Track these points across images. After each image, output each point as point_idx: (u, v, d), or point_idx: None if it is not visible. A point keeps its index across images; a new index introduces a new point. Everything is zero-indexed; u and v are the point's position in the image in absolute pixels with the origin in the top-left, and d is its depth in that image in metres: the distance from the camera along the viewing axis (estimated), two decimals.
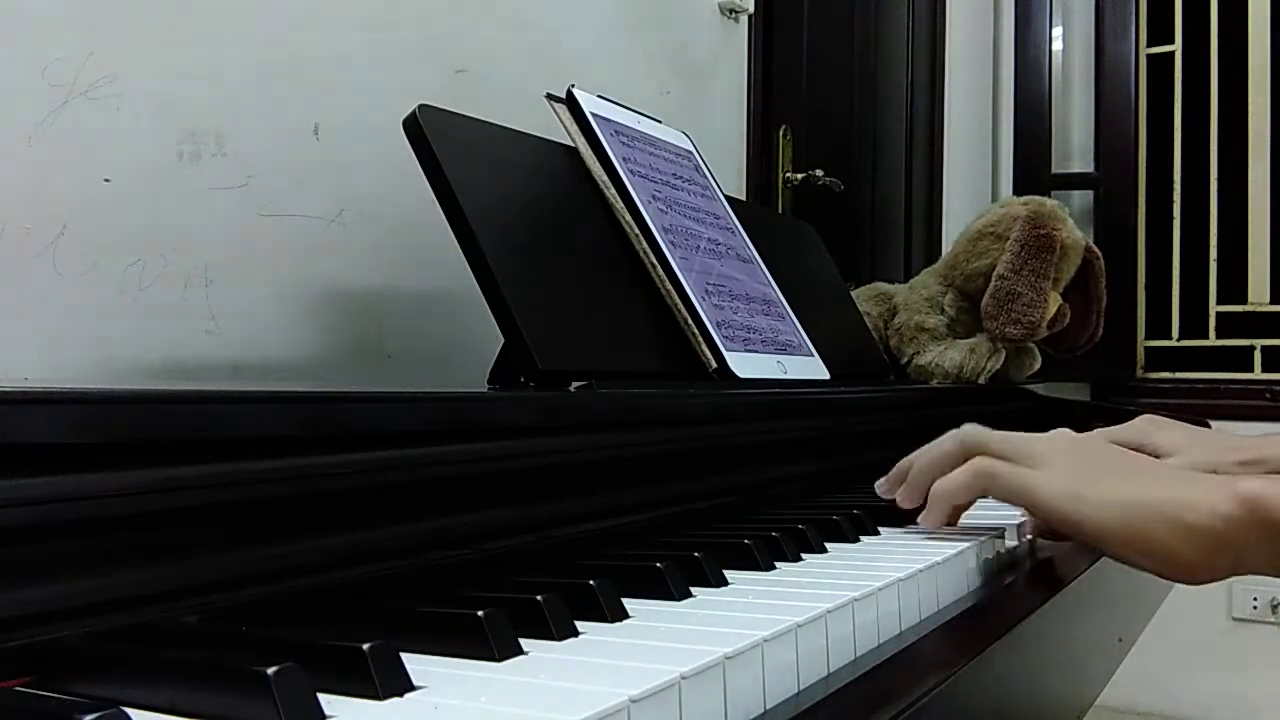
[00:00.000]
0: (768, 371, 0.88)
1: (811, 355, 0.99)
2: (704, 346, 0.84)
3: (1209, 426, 0.94)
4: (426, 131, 0.73)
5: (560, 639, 0.40)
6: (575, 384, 0.66)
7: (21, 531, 0.36)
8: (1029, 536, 0.72)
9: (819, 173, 1.93)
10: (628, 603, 0.45)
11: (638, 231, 0.85)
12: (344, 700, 0.32)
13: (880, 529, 0.68)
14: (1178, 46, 2.63)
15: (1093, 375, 2.55)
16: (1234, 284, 2.57)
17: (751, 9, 1.67)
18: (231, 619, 0.42)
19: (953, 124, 2.63)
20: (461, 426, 0.55)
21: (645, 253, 0.85)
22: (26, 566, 0.36)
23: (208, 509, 0.42)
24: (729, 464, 0.79)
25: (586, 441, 0.64)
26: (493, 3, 1.13)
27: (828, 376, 1.00)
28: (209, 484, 0.41)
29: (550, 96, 0.90)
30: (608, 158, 0.88)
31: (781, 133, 1.91)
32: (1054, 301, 1.39)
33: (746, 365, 0.85)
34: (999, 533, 0.67)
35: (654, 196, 0.90)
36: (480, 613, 0.38)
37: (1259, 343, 2.54)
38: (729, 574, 0.52)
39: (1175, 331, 2.63)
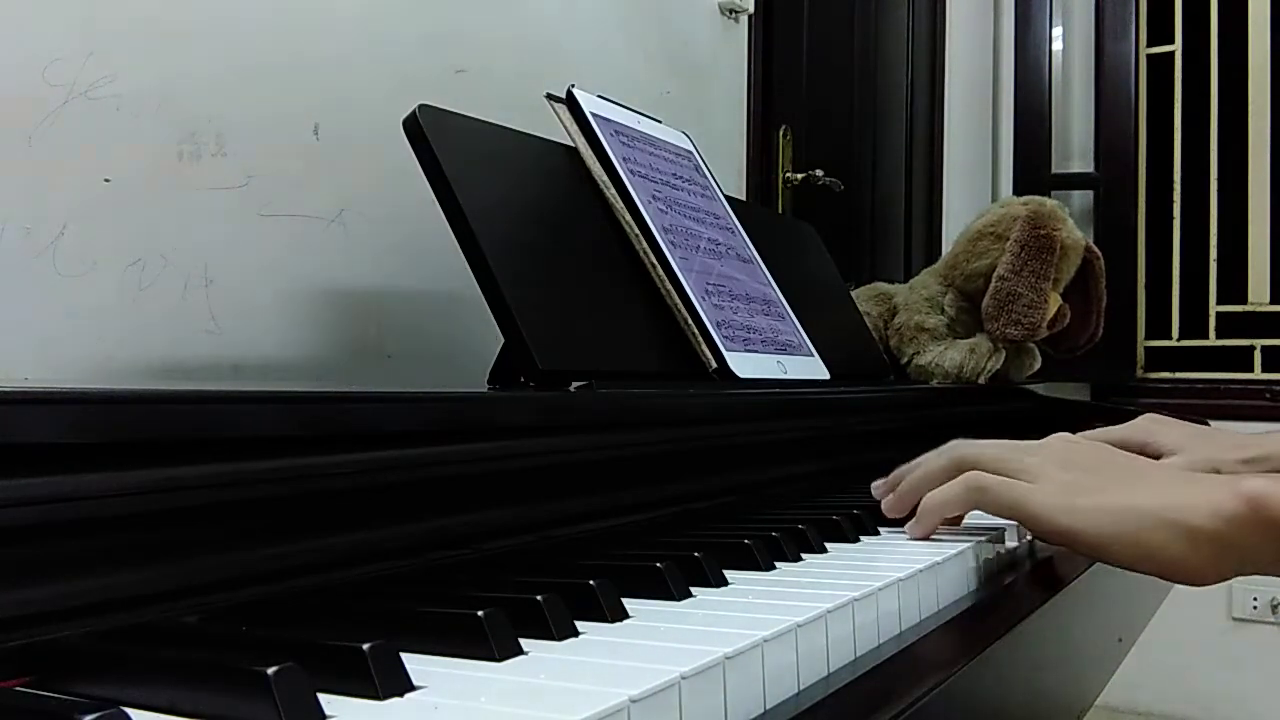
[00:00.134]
0: (768, 371, 0.88)
1: (811, 355, 0.99)
2: (704, 346, 0.84)
3: (1209, 426, 0.94)
4: (426, 131, 0.73)
5: (560, 639, 0.40)
6: (575, 384, 0.66)
7: (21, 531, 0.36)
8: (1029, 537, 0.72)
9: (819, 173, 1.93)
10: (628, 603, 0.45)
11: (638, 231, 0.86)
12: (344, 700, 0.32)
13: (880, 529, 0.68)
14: (1178, 46, 2.63)
15: (1093, 375, 2.55)
16: (1234, 284, 2.57)
17: (751, 9, 1.67)
18: (231, 619, 0.42)
19: (953, 124, 2.63)
20: (461, 426, 0.55)
21: (645, 253, 0.85)
22: (26, 566, 0.36)
23: (208, 509, 0.42)
24: (729, 464, 0.79)
25: (586, 441, 0.64)
26: (493, 3, 1.13)
27: (828, 376, 1.00)
28: (209, 484, 0.41)
29: (550, 96, 0.90)
30: (608, 158, 0.88)
31: (781, 133, 1.91)
32: (1054, 302, 1.39)
33: (746, 365, 0.85)
34: (999, 533, 0.67)
35: (654, 196, 0.90)
36: (480, 613, 0.38)
37: (1259, 343, 2.54)
38: (729, 574, 0.52)
39: (1175, 331, 2.63)
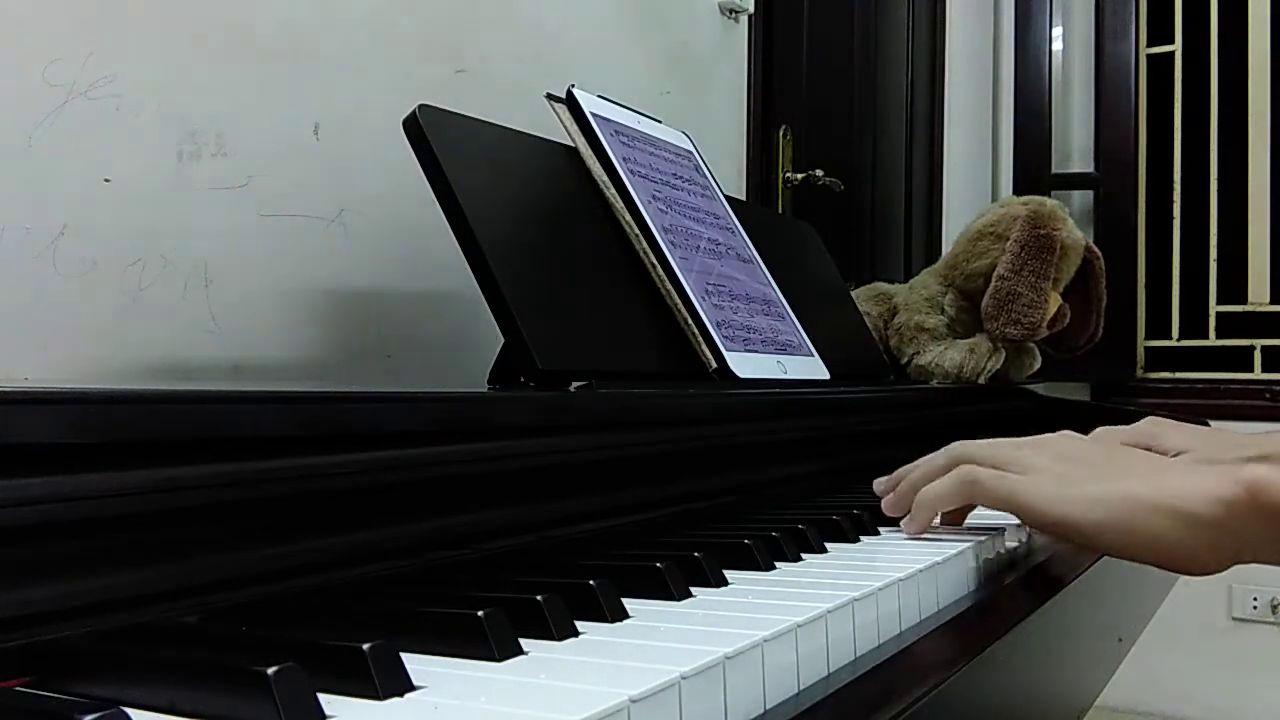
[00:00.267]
0: (768, 371, 0.88)
1: (811, 355, 0.99)
2: (704, 346, 0.84)
3: (1208, 426, 0.94)
4: (426, 131, 0.73)
5: (560, 639, 0.40)
6: (575, 384, 0.66)
7: (21, 531, 0.36)
8: (1029, 537, 0.72)
9: (819, 173, 1.93)
10: (628, 603, 0.44)
11: (638, 231, 0.86)
12: (344, 700, 0.32)
13: (880, 529, 0.68)
14: (1178, 46, 2.63)
15: (1093, 375, 2.55)
16: (1234, 284, 2.57)
17: (751, 9, 1.67)
18: (231, 619, 0.42)
19: (953, 124, 2.63)
20: (461, 426, 0.54)
21: (645, 253, 0.85)
22: (26, 566, 0.36)
23: (208, 509, 0.42)
24: (729, 464, 0.79)
25: (586, 441, 0.64)
26: (493, 3, 1.13)
27: (828, 376, 1.00)
28: (209, 484, 0.41)
29: (550, 96, 0.90)
30: (608, 158, 0.88)
31: (781, 133, 1.91)
32: (1054, 302, 1.39)
33: (746, 365, 0.85)
34: (999, 533, 0.67)
35: (654, 196, 0.90)
36: (480, 613, 0.38)
37: (1259, 343, 2.54)
38: (729, 574, 0.52)
39: (1175, 331, 2.63)
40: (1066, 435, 0.68)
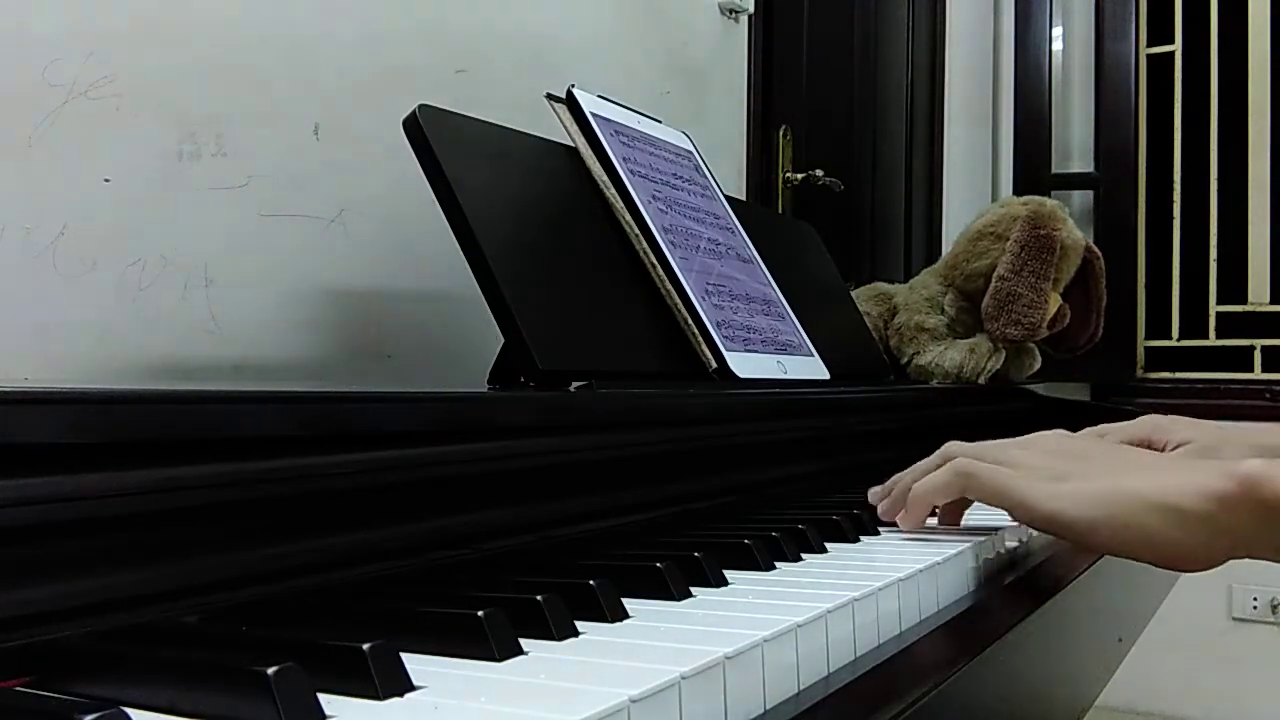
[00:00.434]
0: (768, 371, 0.88)
1: (811, 355, 0.99)
2: (704, 346, 0.84)
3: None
4: (426, 131, 0.73)
5: (560, 639, 0.40)
6: (575, 384, 0.66)
7: (21, 531, 0.36)
8: (1029, 537, 0.72)
9: (819, 173, 1.93)
10: (628, 603, 0.45)
11: (638, 231, 0.86)
12: (344, 700, 0.32)
13: (880, 529, 0.68)
14: (1178, 46, 2.63)
15: (1093, 375, 2.55)
16: (1234, 284, 2.57)
17: (751, 9, 1.67)
18: (231, 619, 0.42)
19: (953, 124, 2.63)
20: (461, 426, 0.55)
21: (645, 253, 0.85)
22: (26, 566, 0.36)
23: (208, 509, 0.42)
24: (729, 464, 0.79)
25: (586, 441, 0.64)
26: (493, 3, 1.13)
27: (828, 376, 1.00)
28: (209, 484, 0.41)
29: (550, 96, 0.90)
30: (608, 158, 0.88)
31: (781, 133, 1.91)
32: (1054, 302, 1.39)
33: (746, 365, 0.85)
34: (999, 533, 0.67)
35: (654, 196, 0.90)
36: (480, 613, 0.38)
37: (1259, 343, 2.54)
38: (729, 574, 0.52)
39: (1175, 331, 2.63)
40: (1059, 433, 0.68)
